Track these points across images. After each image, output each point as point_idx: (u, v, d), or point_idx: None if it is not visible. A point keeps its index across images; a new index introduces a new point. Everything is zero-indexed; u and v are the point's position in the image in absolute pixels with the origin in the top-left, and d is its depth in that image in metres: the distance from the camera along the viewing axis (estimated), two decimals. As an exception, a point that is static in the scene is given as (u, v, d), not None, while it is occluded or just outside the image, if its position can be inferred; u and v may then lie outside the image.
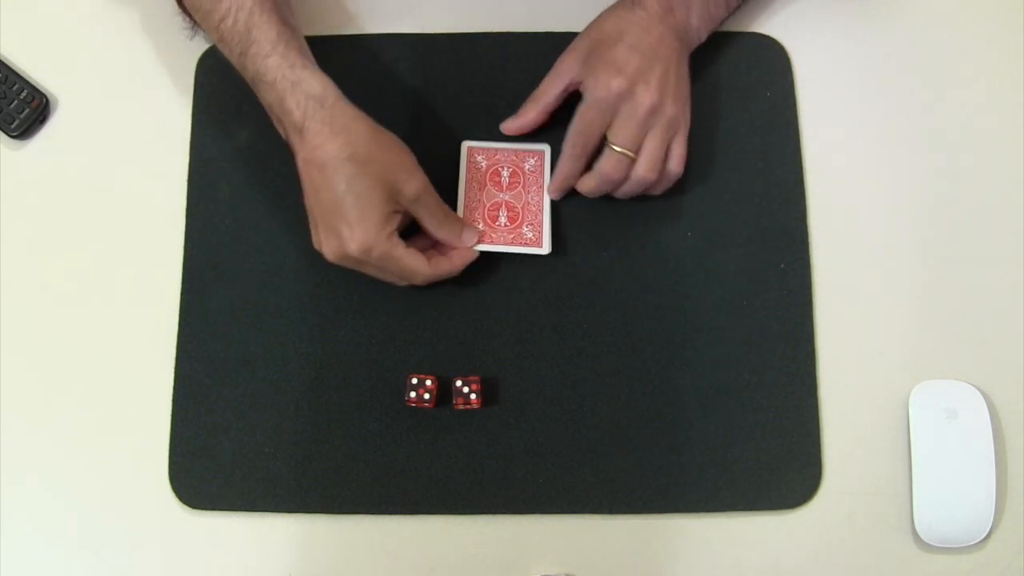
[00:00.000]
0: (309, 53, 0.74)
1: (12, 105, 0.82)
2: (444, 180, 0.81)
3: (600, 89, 0.74)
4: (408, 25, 0.85)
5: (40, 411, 0.78)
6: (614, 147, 0.75)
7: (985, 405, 0.76)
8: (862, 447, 0.77)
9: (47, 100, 0.83)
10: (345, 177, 0.70)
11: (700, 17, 0.78)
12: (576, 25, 0.84)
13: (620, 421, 0.77)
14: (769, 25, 0.84)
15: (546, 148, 0.80)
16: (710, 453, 0.77)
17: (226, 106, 0.83)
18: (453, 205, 0.79)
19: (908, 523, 0.76)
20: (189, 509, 0.76)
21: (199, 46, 0.84)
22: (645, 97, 0.73)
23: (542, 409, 0.77)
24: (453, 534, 0.76)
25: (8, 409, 0.78)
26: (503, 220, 0.78)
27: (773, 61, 0.83)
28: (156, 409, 0.78)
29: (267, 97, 0.73)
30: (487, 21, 0.85)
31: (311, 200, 0.72)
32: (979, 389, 0.77)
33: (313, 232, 0.74)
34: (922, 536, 0.75)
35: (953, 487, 0.75)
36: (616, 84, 0.73)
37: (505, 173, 0.80)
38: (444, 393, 0.77)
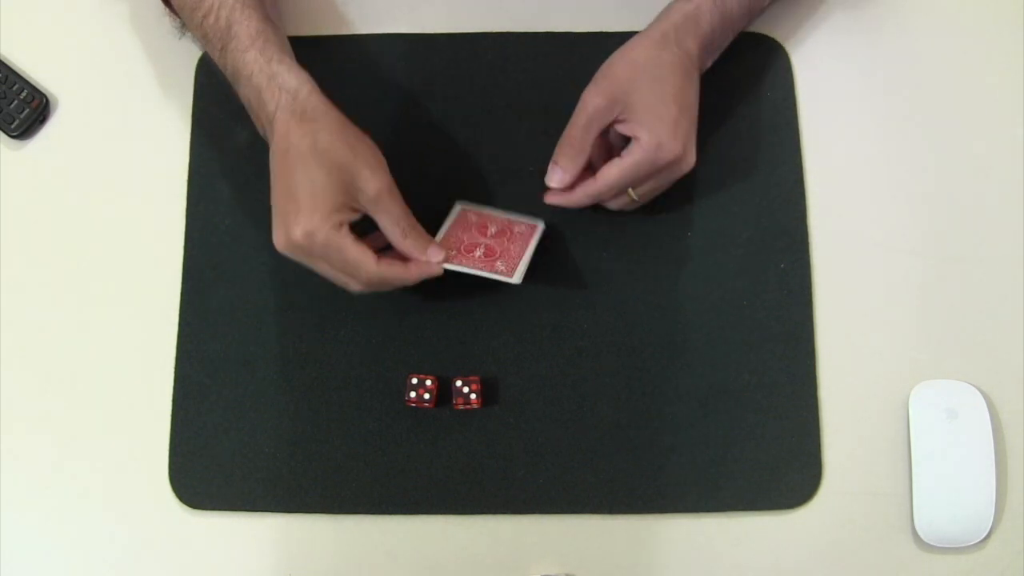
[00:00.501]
0: (289, 50, 0.73)
1: (12, 105, 0.82)
2: (442, 179, 0.81)
3: (658, 151, 0.72)
4: (408, 25, 0.85)
5: (40, 411, 0.78)
6: (632, 193, 0.75)
7: (985, 405, 0.76)
8: (862, 447, 0.77)
9: (47, 100, 0.83)
10: (303, 165, 0.68)
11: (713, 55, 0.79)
12: (576, 25, 0.84)
13: (620, 421, 0.77)
14: (769, 25, 0.84)
15: (540, 225, 0.78)
16: (710, 453, 0.77)
17: (226, 106, 0.82)
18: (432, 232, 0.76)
19: (908, 523, 0.76)
20: (189, 509, 0.76)
21: (199, 47, 0.83)
22: (688, 163, 0.74)
23: (542, 409, 0.77)
24: (453, 534, 0.76)
25: (8, 409, 0.78)
26: (479, 253, 0.75)
27: (773, 61, 0.83)
28: (156, 409, 0.78)
29: (245, 92, 0.73)
30: (487, 21, 0.85)
31: (273, 189, 0.71)
32: (979, 389, 0.77)
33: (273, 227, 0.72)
34: (922, 536, 0.75)
35: (953, 487, 0.75)
36: (674, 150, 0.72)
37: (492, 229, 0.77)
38: (444, 393, 0.77)
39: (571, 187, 0.75)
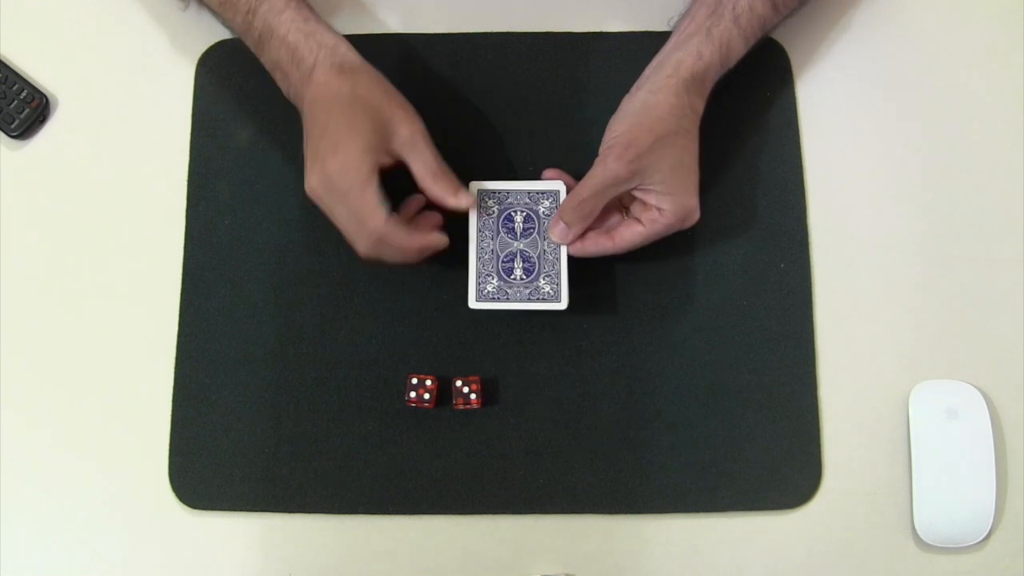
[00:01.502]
0: (318, 15, 0.75)
1: (12, 105, 0.82)
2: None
3: (682, 222, 0.74)
4: (408, 25, 0.85)
5: (40, 411, 0.78)
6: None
7: (985, 405, 0.76)
8: (862, 447, 0.77)
9: (47, 100, 0.83)
10: (342, 109, 0.71)
11: None
12: (576, 25, 0.84)
13: (620, 421, 0.77)
14: (769, 25, 0.84)
15: (561, 186, 0.77)
16: (710, 453, 0.77)
17: (226, 106, 0.83)
18: (464, 253, 0.76)
19: (908, 523, 0.76)
20: (189, 509, 0.76)
21: (199, 46, 0.84)
22: (696, 220, 0.74)
23: (542, 409, 0.77)
24: (453, 534, 0.76)
25: (8, 409, 0.78)
26: (518, 273, 0.75)
27: (773, 61, 0.83)
28: (156, 409, 0.78)
29: (275, 54, 0.74)
30: (487, 21, 0.85)
31: (308, 136, 0.72)
32: (979, 389, 0.77)
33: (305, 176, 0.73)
34: (922, 536, 0.75)
35: (953, 487, 0.75)
36: (693, 217, 0.74)
37: (519, 218, 0.76)
38: (444, 393, 0.77)
39: (582, 236, 0.75)
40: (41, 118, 0.83)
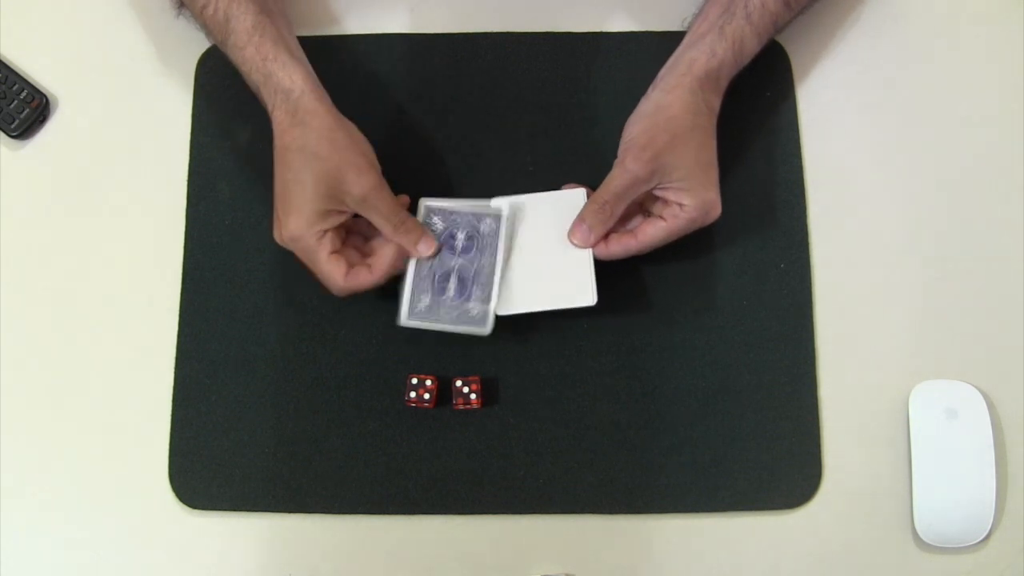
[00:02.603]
0: (288, 41, 0.74)
1: (12, 105, 0.82)
2: (441, 179, 0.81)
3: (704, 217, 0.74)
4: (408, 25, 0.85)
5: (40, 411, 0.78)
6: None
7: (985, 405, 0.76)
8: (862, 447, 0.77)
9: (47, 100, 0.83)
10: (293, 169, 0.71)
11: None
12: (576, 25, 0.84)
13: (620, 421, 0.77)
14: (769, 25, 0.84)
15: (504, 209, 0.76)
16: (710, 453, 0.77)
17: (226, 106, 0.83)
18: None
19: (908, 523, 0.76)
20: (189, 509, 0.76)
21: (199, 46, 0.83)
22: (718, 214, 0.74)
23: (542, 409, 0.77)
24: (453, 534, 0.76)
25: (8, 409, 0.78)
26: (451, 292, 0.75)
27: (773, 61, 0.83)
28: (156, 409, 0.78)
29: (250, 85, 0.75)
30: (487, 21, 0.85)
31: (275, 184, 0.73)
32: (979, 389, 0.77)
33: None
34: (922, 536, 0.75)
35: (953, 487, 0.75)
36: (715, 212, 0.74)
37: (461, 235, 0.76)
38: (444, 393, 0.77)
39: (605, 238, 0.75)
40: (41, 118, 0.83)
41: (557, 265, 0.74)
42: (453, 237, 0.76)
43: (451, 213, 0.76)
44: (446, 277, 0.75)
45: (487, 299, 0.74)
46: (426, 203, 0.76)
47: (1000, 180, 0.82)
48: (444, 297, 0.75)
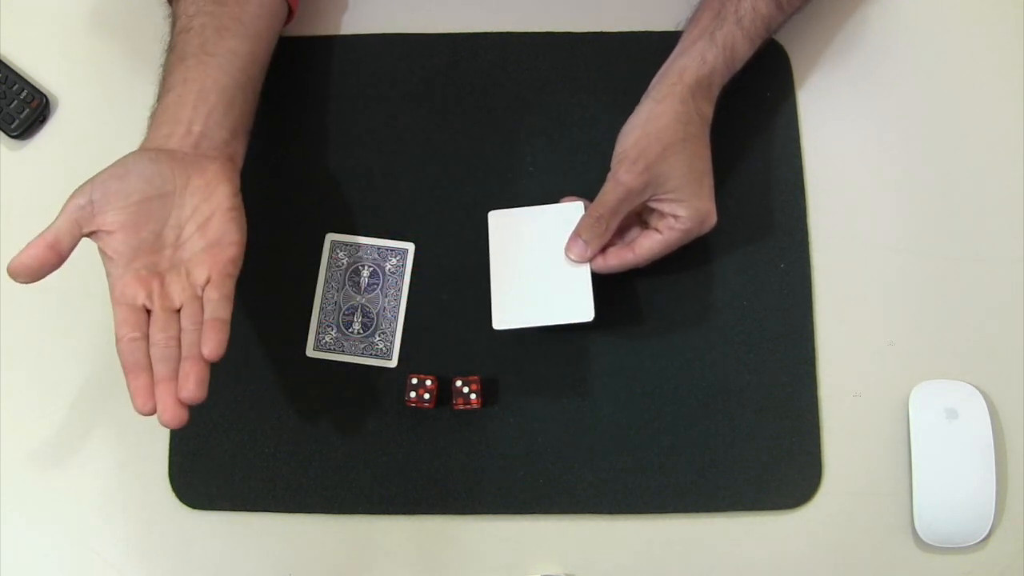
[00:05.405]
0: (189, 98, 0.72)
1: (12, 105, 0.82)
2: (441, 179, 0.81)
3: (699, 226, 0.73)
4: (408, 25, 0.85)
5: (40, 411, 0.78)
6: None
7: (985, 405, 0.76)
8: (862, 447, 0.77)
9: (47, 100, 0.83)
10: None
11: None
12: (576, 25, 0.84)
13: (620, 421, 0.77)
14: (769, 25, 0.84)
15: (410, 247, 0.78)
16: (710, 453, 0.77)
17: (226, 106, 0.82)
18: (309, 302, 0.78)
19: (908, 523, 0.76)
20: (189, 509, 0.76)
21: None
22: (713, 223, 0.74)
23: (542, 409, 0.77)
24: (453, 534, 0.76)
25: (8, 409, 0.78)
26: (357, 327, 0.76)
27: (773, 61, 0.83)
28: (156, 409, 0.78)
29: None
30: (487, 21, 0.85)
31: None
32: (979, 389, 0.77)
33: None
34: (922, 536, 0.75)
35: (953, 487, 0.75)
36: (710, 221, 0.74)
37: (365, 272, 0.76)
38: (444, 393, 0.77)
39: (603, 252, 0.74)
40: (41, 118, 0.83)
41: (555, 280, 0.74)
42: (358, 274, 0.77)
43: (357, 248, 0.77)
44: (352, 312, 0.76)
45: (391, 339, 0.76)
46: (331, 237, 0.77)
47: (1000, 180, 0.82)
48: (350, 331, 0.76)
